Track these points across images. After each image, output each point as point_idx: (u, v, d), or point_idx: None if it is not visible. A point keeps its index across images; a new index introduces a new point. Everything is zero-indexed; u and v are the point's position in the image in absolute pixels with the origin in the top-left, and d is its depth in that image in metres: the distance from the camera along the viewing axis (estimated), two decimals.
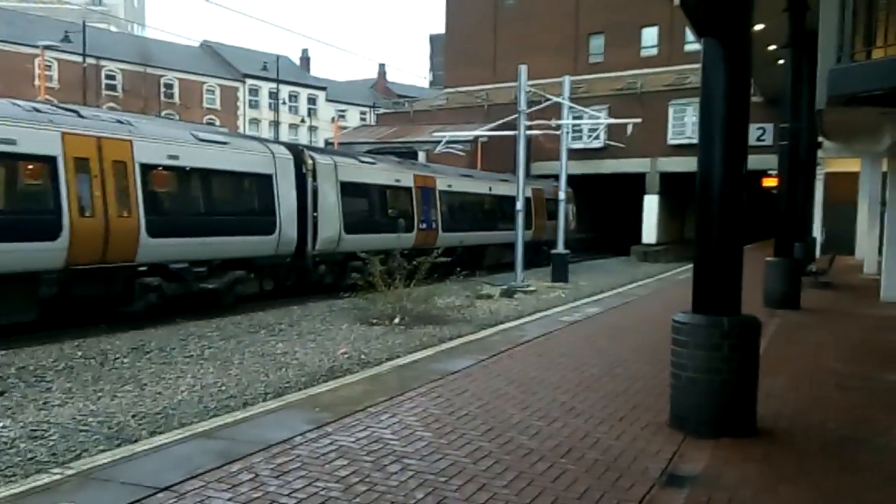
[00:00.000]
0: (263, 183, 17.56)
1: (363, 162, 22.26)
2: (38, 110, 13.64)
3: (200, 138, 16.48)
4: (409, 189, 23.81)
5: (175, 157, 15.40)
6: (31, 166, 13.09)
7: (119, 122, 15.09)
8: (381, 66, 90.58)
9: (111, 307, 14.43)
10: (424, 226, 24.17)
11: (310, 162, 19.21)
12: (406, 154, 38.38)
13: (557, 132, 26.36)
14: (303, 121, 70.16)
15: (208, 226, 15.97)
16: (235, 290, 16.83)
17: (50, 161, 13.04)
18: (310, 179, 18.98)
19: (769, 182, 30.86)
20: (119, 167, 14.19)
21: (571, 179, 29.51)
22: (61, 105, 15.46)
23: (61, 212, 13.03)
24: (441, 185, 25.47)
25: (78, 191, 13.34)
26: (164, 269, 15.05)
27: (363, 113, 78.35)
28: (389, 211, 22.89)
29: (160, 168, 15.11)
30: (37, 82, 43.76)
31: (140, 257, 14.44)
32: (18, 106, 13.47)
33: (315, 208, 19.04)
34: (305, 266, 15.71)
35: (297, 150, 19.58)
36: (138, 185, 14.43)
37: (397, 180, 23.40)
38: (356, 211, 20.82)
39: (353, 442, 5.64)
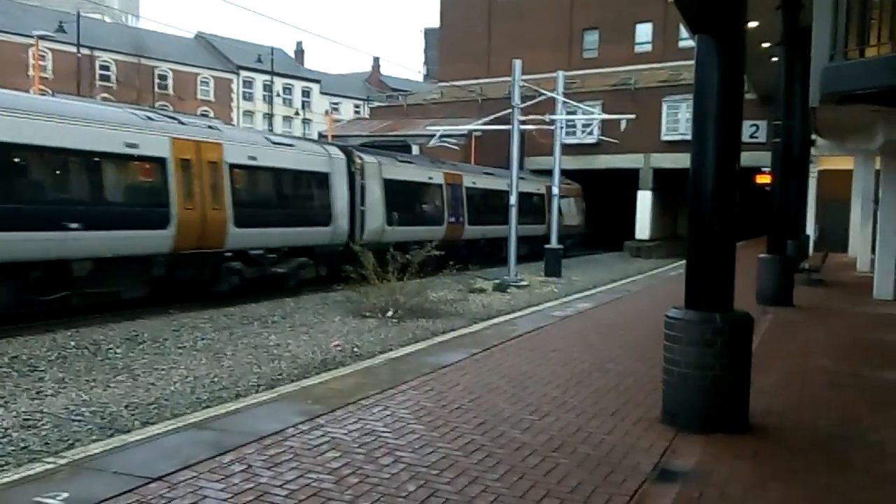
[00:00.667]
0: (322, 180, 19.97)
1: (402, 161, 24.61)
2: (150, 118, 15.96)
3: (273, 141, 19.22)
4: (440, 186, 26.05)
5: (254, 158, 17.75)
6: (147, 166, 15.35)
7: (210, 127, 17.61)
8: (376, 59, 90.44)
9: (202, 287, 16.47)
10: (453, 220, 26.27)
11: (358, 161, 21.58)
12: (400, 148, 38.58)
13: (551, 127, 26.36)
14: (297, 113, 70.02)
15: (279, 218, 18.36)
16: (299, 274, 18.95)
17: (161, 162, 15.30)
18: (358, 177, 21.39)
19: (762, 179, 30.94)
20: (212, 167, 16.40)
21: (565, 174, 29.64)
22: (165, 113, 18.03)
23: (170, 205, 15.29)
24: (467, 182, 27.40)
25: (182, 187, 15.57)
26: (245, 255, 17.20)
27: (357, 106, 78.19)
28: (424, 206, 25.34)
29: (243, 167, 17.47)
30: (31, 72, 43.51)
31: (227, 244, 16.70)
32: (135, 114, 15.77)
33: (362, 203, 21.42)
34: (354, 254, 16.95)
35: (348, 151, 22.01)
36: (227, 182, 16.70)
37: (430, 178, 25.72)
38: (397, 205, 22.94)
39: (345, 434, 5.65)
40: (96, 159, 14.30)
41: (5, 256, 12.51)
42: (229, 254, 16.82)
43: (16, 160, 13.14)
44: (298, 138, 22.61)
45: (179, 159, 15.60)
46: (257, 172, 18.23)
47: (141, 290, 15.12)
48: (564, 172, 27.94)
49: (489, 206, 28.59)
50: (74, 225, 13.45)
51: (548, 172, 28.53)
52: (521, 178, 28.33)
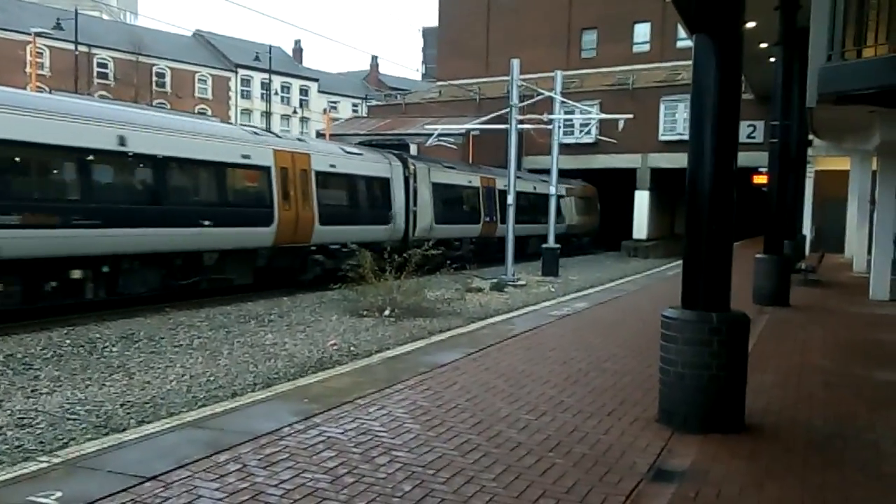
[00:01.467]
0: (384, 184, 23.09)
1: (446, 167, 27.14)
2: (257, 133, 19.45)
3: (346, 151, 22.50)
4: (476, 188, 28.92)
5: (333, 166, 20.88)
6: (256, 174, 18.12)
7: (299, 140, 22.01)
8: (374, 58, 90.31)
9: (292, 276, 19.03)
10: (488, 219, 29.08)
11: (411, 167, 24.52)
12: (397, 146, 38.81)
13: (549, 127, 26.37)
14: (294, 112, 70.00)
15: (353, 216, 21.59)
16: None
17: (267, 170, 18.20)
18: (411, 181, 24.27)
19: (759, 179, 30.96)
20: (303, 174, 19.39)
21: (563, 174, 29.80)
22: (265, 130, 21.50)
23: (273, 206, 18.17)
24: (499, 185, 29.44)
25: (281, 191, 18.44)
26: (325, 249, 19.99)
27: (355, 105, 78.15)
28: (464, 206, 28.08)
29: (325, 174, 20.40)
30: (28, 69, 43.42)
31: (313, 240, 19.64)
32: (246, 131, 19.38)
33: (415, 203, 24.32)
34: (407, 249, 18.65)
35: (403, 158, 24.93)
36: (314, 186, 19.68)
37: (469, 181, 28.54)
38: (442, 206, 25.66)
39: (342, 433, 5.64)
40: (222, 169, 17.33)
41: (158, 247, 15.38)
42: (314, 248, 19.77)
43: (171, 170, 16.19)
44: (366, 148, 25.24)
45: (280, 168, 18.56)
46: (336, 178, 21.16)
47: (248, 278, 17.94)
48: (562, 172, 28.09)
49: (519, 206, 29.63)
50: (206, 223, 16.30)
51: (546, 172, 28.68)
52: (544, 180, 31.95)
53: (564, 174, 32.91)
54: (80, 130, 14.02)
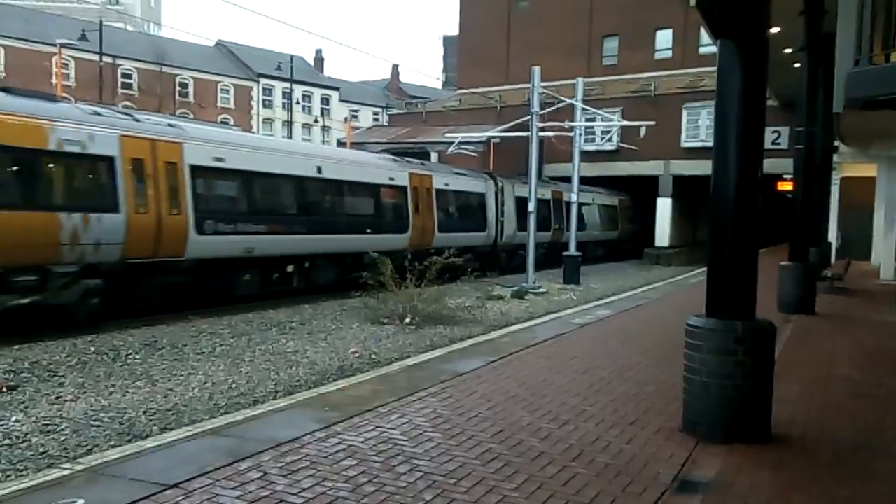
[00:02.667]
0: (481, 199, 27.90)
1: (524, 182, 28.98)
2: (395, 160, 24.23)
3: (455, 172, 27.41)
4: (548, 200, 32.48)
5: (447, 185, 25.78)
6: (398, 192, 23.09)
7: (422, 163, 26.26)
8: (395, 66, 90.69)
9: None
10: (556, 226, 32.86)
11: (499, 184, 29.08)
12: (418, 154, 39.22)
13: (570, 134, 26.29)
14: (316, 121, 70.38)
15: (460, 226, 26.02)
16: (469, 265, 23.79)
17: (404, 189, 23.30)
18: (500, 195, 28.77)
19: (784, 186, 30.69)
20: (427, 191, 24.36)
21: (584, 182, 29.80)
22: (399, 157, 25.46)
23: (409, 217, 23.21)
24: (565, 197, 32.37)
25: (413, 205, 23.41)
26: (440, 252, 21.46)
27: (376, 113, 78.44)
28: (539, 216, 30.38)
29: (442, 191, 25.24)
30: (54, 80, 44.02)
31: (433, 244, 23.07)
32: (386, 158, 24.34)
33: (502, 214, 28.79)
34: (496, 253, 24.76)
35: (493, 176, 29.69)
36: (434, 201, 24.64)
37: (543, 194, 30.62)
38: (522, 216, 27.81)
39: (362, 442, 5.62)
40: (377, 188, 22.35)
41: (340, 249, 19.72)
42: (433, 251, 21.44)
43: (348, 190, 21.19)
44: (467, 169, 29.89)
45: (413, 187, 23.59)
46: (448, 195, 25.86)
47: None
48: (583, 179, 28.10)
49: (581, 215, 34.38)
50: (368, 230, 21.31)
51: (567, 179, 28.72)
52: (600, 192, 38.49)
53: (585, 181, 32.93)
54: (296, 163, 19.18)
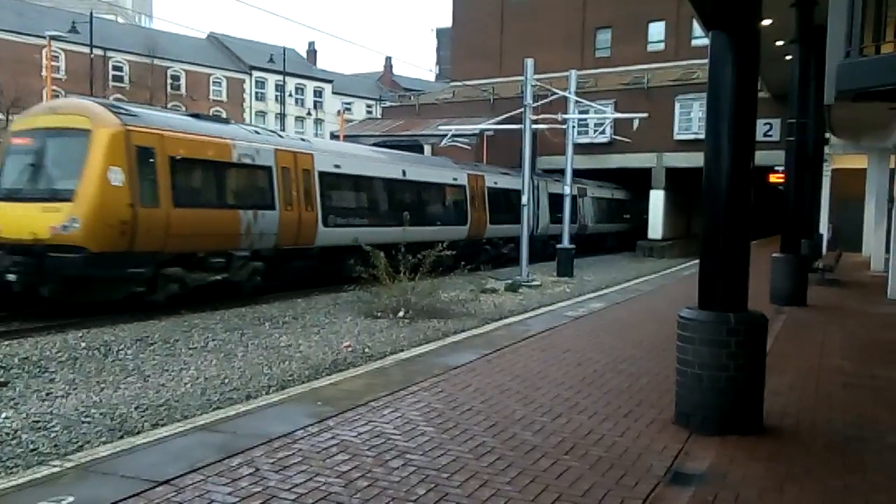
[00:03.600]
0: (519, 195, 29.57)
1: (556, 180, 33.66)
2: (456, 163, 28.62)
3: (500, 172, 31.16)
4: (575, 196, 34.38)
5: (496, 183, 29.78)
6: (458, 190, 26.98)
7: (475, 165, 30.93)
8: (388, 59, 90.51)
9: (470, 261, 21.81)
10: (581, 218, 36.88)
11: (536, 181, 31.81)
12: (411, 147, 39.49)
13: (563, 126, 26.26)
14: (308, 113, 70.20)
15: (507, 218, 28.90)
16: (511, 254, 28.09)
17: (463, 188, 27.17)
18: (536, 192, 31.80)
19: (776, 178, 30.75)
20: (481, 189, 28.32)
21: (577, 174, 29.97)
22: (456, 161, 29.79)
23: (468, 212, 27.04)
24: (589, 193, 38.59)
25: (470, 201, 27.31)
26: (491, 241, 28.09)
27: (369, 106, 78.30)
28: (612, 209, 39.11)
29: (493, 189, 29.22)
30: (44, 73, 43.79)
31: (485, 235, 28.23)
32: (449, 160, 29.15)
33: (538, 208, 32.17)
34: (532, 243, 25.43)
35: (578, 182, 33.56)
36: (487, 200, 28.61)
37: (606, 194, 38.37)
38: (553, 210, 32.43)
39: (355, 436, 5.60)
40: (444, 187, 26.26)
41: (418, 239, 19.98)
42: (484, 241, 27.64)
43: (424, 189, 24.86)
44: (507, 168, 32.97)
45: (470, 185, 27.58)
46: (497, 192, 29.51)
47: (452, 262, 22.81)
48: (576, 172, 28.25)
49: (599, 209, 39.67)
50: (439, 223, 24.91)
51: (560, 172, 28.83)
52: (618, 187, 42.48)
53: (579, 174, 33.11)
54: (388, 167, 23.11)
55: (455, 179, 26.83)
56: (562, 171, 27.06)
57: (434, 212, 25.10)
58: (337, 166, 20.44)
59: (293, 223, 18.40)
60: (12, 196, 14.44)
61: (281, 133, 22.23)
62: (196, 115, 18.11)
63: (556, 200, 31.94)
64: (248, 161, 17.27)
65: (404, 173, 23.46)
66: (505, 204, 29.65)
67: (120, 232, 13.84)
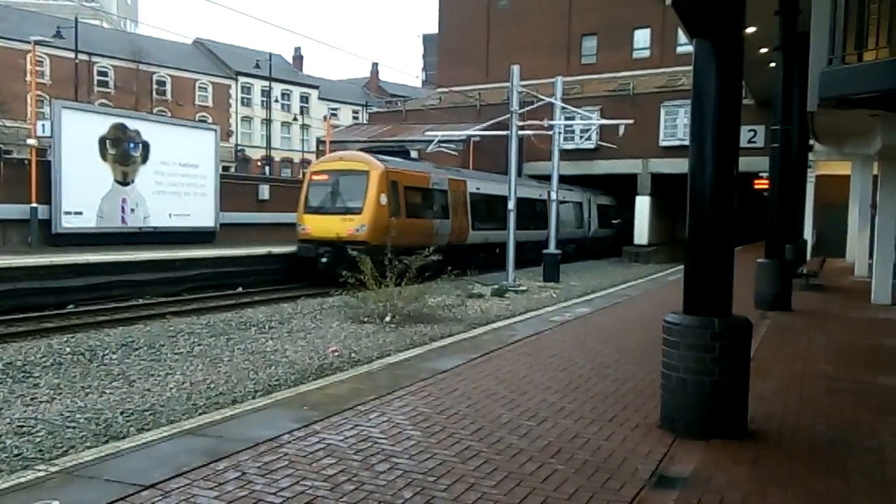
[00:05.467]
0: (579, 206, 38.84)
1: (603, 193, 42.10)
2: (541, 184, 33.40)
3: (566, 188, 34.77)
4: (613, 206, 44.46)
5: (566, 197, 34.92)
6: (544, 204, 30.72)
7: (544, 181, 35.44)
8: (374, 65, 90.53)
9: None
10: (615, 221, 44.18)
11: (588, 195, 39.84)
12: (398, 153, 39.71)
13: (550, 132, 26.36)
14: (295, 119, 70.01)
15: (573, 224, 37.24)
16: (571, 252, 33.82)
17: (543, 202, 31.58)
18: (588, 204, 39.68)
19: (760, 184, 30.97)
20: (548, 203, 30.63)
21: (563, 180, 30.13)
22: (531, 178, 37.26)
23: (549, 219, 27.13)
24: (592, 200, 42.79)
25: (552, 212, 28.92)
26: (565, 241, 32.20)
27: (355, 112, 78.28)
28: (608, 215, 43.42)
29: (564, 202, 33.43)
30: (28, 78, 43.51)
31: (559, 238, 29.57)
32: (534, 180, 35.84)
33: (590, 216, 40.11)
34: (586, 242, 36.48)
35: (585, 190, 39.64)
36: (555, 209, 29.63)
37: (604, 202, 42.88)
38: (600, 216, 41.42)
39: (342, 440, 5.60)
40: (541, 202, 32.47)
41: (527, 239, 28.77)
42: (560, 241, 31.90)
43: (528, 204, 31.31)
44: (567, 185, 36.53)
45: (585, 203, 37.80)
46: (567, 204, 36.06)
47: (572, 254, 32.08)
48: (562, 178, 28.44)
49: (602, 214, 43.35)
50: (534, 228, 31.03)
51: (546, 178, 28.94)
52: (605, 194, 44.41)
53: (564, 180, 33.27)
54: (501, 187, 26.85)
55: (540, 196, 33.21)
56: (547, 178, 27.17)
57: (530, 220, 31.35)
58: (478, 188, 28.84)
59: (457, 228, 26.80)
60: (317, 211, 23.06)
61: (448, 167, 29.86)
62: (408, 157, 28.77)
63: (602, 211, 42.52)
64: (436, 187, 26.15)
65: (541, 196, 32.72)
66: (573, 212, 38.31)
67: (384, 232, 19.93)
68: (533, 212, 33.13)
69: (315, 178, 23.81)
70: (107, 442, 6.59)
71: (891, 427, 6.48)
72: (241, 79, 69.26)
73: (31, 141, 25.02)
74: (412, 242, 20.12)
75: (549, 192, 36.35)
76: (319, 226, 22.54)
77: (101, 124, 25.33)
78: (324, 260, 21.85)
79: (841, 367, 9.18)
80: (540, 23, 48.20)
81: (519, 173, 25.70)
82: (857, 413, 6.92)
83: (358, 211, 22.35)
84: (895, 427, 6.50)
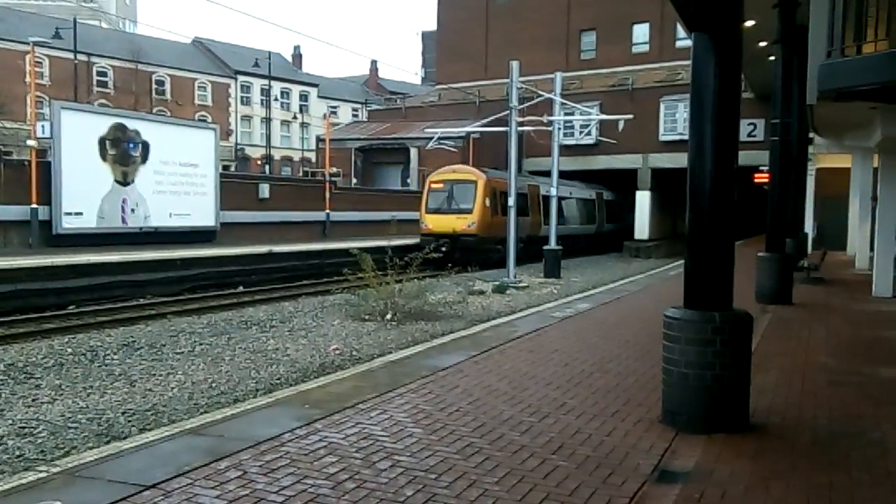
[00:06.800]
0: (591, 203, 41.09)
1: (607, 189, 43.59)
2: (587, 186, 40.99)
3: (606, 189, 42.37)
4: (617, 201, 45.56)
5: (610, 197, 43.38)
6: (591, 203, 40.86)
7: (594, 185, 41.81)
8: (373, 62, 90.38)
9: (589, 250, 37.79)
10: (602, 220, 44.54)
11: (604, 194, 42.87)
12: (397, 150, 39.92)
13: (549, 128, 26.34)
14: (294, 117, 70.00)
15: (612, 219, 42.82)
16: (583, 246, 37.49)
17: (593, 201, 41.38)
18: (598, 201, 42.02)
19: (761, 178, 30.94)
20: (599, 201, 41.80)
21: (563, 176, 30.14)
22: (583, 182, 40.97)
23: (596, 215, 40.75)
24: (604, 196, 45.07)
25: (598, 208, 41.49)
26: (605, 234, 41.49)
27: (355, 109, 78.24)
28: (615, 211, 45.32)
29: (608, 201, 43.22)
30: (27, 79, 43.49)
31: (596, 231, 40.86)
32: (584, 184, 40.51)
33: (600, 212, 42.32)
34: (599, 237, 40.51)
35: (595, 187, 41.72)
36: (605, 206, 42.64)
37: (615, 198, 45.25)
38: (608, 212, 43.75)
39: (343, 439, 5.60)
40: (588, 201, 39.82)
41: (574, 233, 35.69)
42: (598, 234, 40.51)
43: (576, 202, 38.04)
44: (579, 182, 40.03)
45: (597, 199, 41.34)
46: (611, 202, 43.27)
47: (584, 246, 37.32)
48: (562, 174, 28.42)
49: (612, 211, 45.09)
50: (580, 222, 38.22)
51: (546, 174, 28.97)
52: (609, 190, 46.04)
53: (565, 175, 33.32)
54: (563, 190, 29.68)
55: (590, 196, 40.02)
56: (547, 173, 27.17)
57: (582, 216, 38.94)
58: (547, 191, 30.29)
59: (534, 223, 32.35)
60: (436, 212, 28.92)
61: (526, 175, 34.42)
62: (496, 168, 30.88)
63: (611, 207, 44.36)
64: (523, 192, 30.11)
65: (571, 193, 36.69)
66: (610, 209, 43.17)
67: (488, 227, 27.60)
68: (580, 209, 38.99)
69: (433, 186, 29.78)
70: (108, 442, 6.60)
71: (893, 419, 6.47)
72: (241, 78, 69.21)
73: (30, 142, 24.96)
74: (504, 234, 24.39)
75: (596, 192, 42.59)
76: (438, 223, 28.28)
77: (101, 124, 25.28)
78: (443, 249, 24.81)
79: (842, 359, 9.18)
80: (538, 18, 48.15)
81: (519, 169, 25.73)
82: (859, 405, 6.92)
83: (469, 211, 28.50)
84: None
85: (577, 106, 31.29)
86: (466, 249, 25.98)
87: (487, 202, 28.69)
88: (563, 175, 30.56)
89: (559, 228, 30.60)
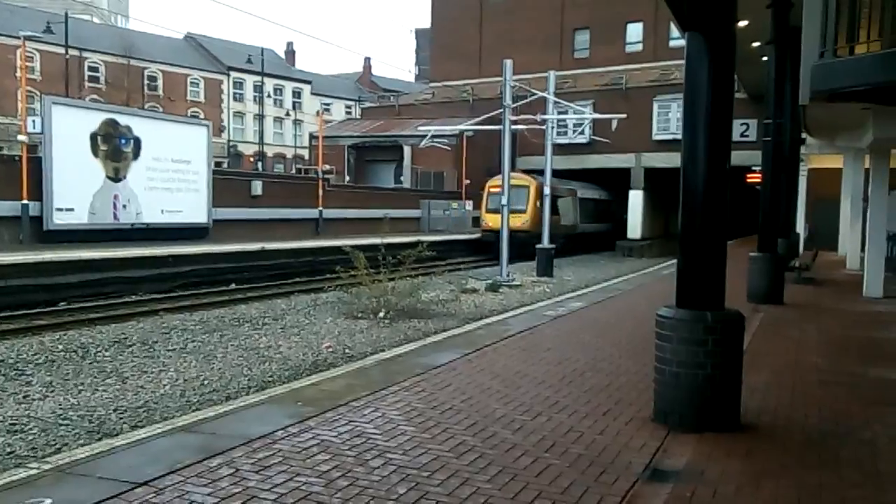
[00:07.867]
0: (606, 203, 44.44)
1: (594, 188, 44.14)
2: (601, 187, 44.49)
3: (590, 187, 42.39)
4: (596, 200, 46.45)
5: (594, 196, 43.20)
6: (604, 203, 44.66)
7: (601, 189, 44.57)
8: (367, 59, 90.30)
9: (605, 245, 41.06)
10: (607, 218, 47.55)
11: (611, 194, 44.62)
12: (391, 148, 39.98)
13: (542, 127, 26.37)
14: (287, 114, 69.88)
15: (596, 218, 42.65)
16: (598, 242, 41.61)
17: (609, 202, 44.95)
18: (610, 202, 45.30)
19: (753, 178, 31.04)
20: (611, 201, 45.11)
21: (557, 175, 30.26)
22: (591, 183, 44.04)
23: (609, 215, 44.66)
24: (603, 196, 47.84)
25: (611, 208, 45.02)
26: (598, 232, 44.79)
27: (348, 107, 78.09)
28: (616, 210, 48.07)
29: (591, 199, 42.65)
30: (18, 73, 43.30)
31: (610, 228, 44.98)
32: (595, 186, 43.92)
33: (612, 212, 45.08)
34: (611, 234, 42.50)
35: (603, 189, 43.98)
36: (616, 206, 46.93)
37: (601, 195, 47.07)
38: (612, 212, 45.74)
39: (336, 436, 5.60)
40: (602, 201, 43.77)
41: (589, 231, 40.67)
42: (610, 232, 43.61)
43: (591, 202, 42.00)
44: (591, 184, 43.10)
45: (610, 200, 44.76)
46: (597, 201, 43.25)
47: (608, 246, 40.90)
48: (556, 172, 28.49)
49: (611, 210, 46.48)
50: (594, 221, 41.87)
51: (539, 172, 29.05)
52: (606, 190, 47.55)
53: (558, 174, 33.45)
54: (588, 192, 40.15)
55: (603, 196, 43.54)
56: (541, 172, 27.22)
57: (599, 215, 42.62)
58: (582, 195, 38.88)
59: (572, 222, 37.27)
60: (495, 211, 28.83)
61: (562, 180, 36.69)
62: (541, 174, 29.48)
63: (595, 206, 45.04)
64: (561, 194, 35.55)
65: (579, 193, 39.72)
66: (599, 208, 44.86)
67: (538, 224, 28.65)
68: (600, 209, 42.84)
69: (492, 190, 33.63)
70: (100, 439, 6.58)
71: (883, 419, 6.51)
72: (233, 74, 68.99)
73: (21, 137, 24.81)
74: (553, 231, 27.02)
75: (607, 193, 45.45)
76: (496, 221, 29.50)
77: (92, 120, 25.14)
78: (493, 241, 28.64)
79: (833, 359, 9.22)
80: (532, 17, 48.18)
81: (512, 167, 25.68)
82: (850, 405, 6.95)
83: (523, 211, 32.99)
84: (887, 419, 6.53)
85: (571, 105, 31.35)
86: (520, 243, 28.00)
87: (537, 204, 31.67)
88: (557, 174, 30.66)
89: (582, 227, 38.58)
